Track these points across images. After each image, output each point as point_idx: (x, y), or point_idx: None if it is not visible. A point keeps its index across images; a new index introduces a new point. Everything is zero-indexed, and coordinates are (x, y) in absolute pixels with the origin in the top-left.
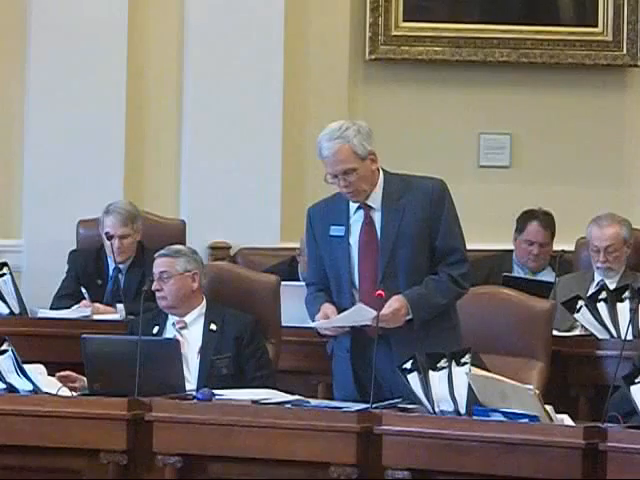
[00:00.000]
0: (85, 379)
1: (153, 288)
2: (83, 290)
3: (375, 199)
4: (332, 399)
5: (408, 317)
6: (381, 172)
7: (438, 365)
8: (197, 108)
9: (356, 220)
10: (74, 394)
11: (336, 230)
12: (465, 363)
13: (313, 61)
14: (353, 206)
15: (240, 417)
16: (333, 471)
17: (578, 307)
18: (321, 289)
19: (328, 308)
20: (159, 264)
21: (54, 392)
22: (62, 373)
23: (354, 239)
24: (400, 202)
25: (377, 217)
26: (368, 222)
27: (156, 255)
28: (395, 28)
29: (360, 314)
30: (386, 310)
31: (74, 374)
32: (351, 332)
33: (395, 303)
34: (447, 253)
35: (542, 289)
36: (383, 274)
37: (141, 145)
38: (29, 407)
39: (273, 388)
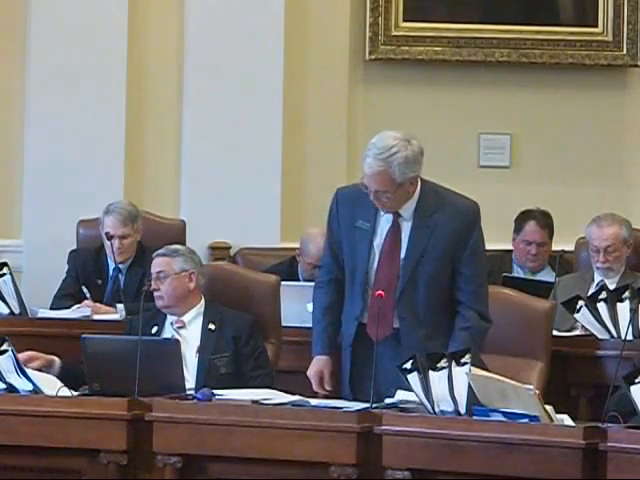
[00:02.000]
0: (56, 359)
1: (151, 288)
2: (84, 290)
3: (407, 209)
4: (332, 399)
5: None
6: (419, 183)
7: (438, 365)
8: (197, 108)
9: (384, 223)
10: (74, 393)
11: (362, 225)
12: (465, 363)
13: (313, 61)
14: None
15: (240, 417)
16: (333, 471)
17: (578, 307)
18: (330, 290)
19: (324, 365)
20: (156, 264)
21: (54, 392)
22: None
23: (378, 242)
24: (432, 218)
25: (405, 227)
26: (395, 230)
27: (154, 255)
28: (395, 28)
29: None
30: None
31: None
32: (356, 328)
33: None
34: (468, 281)
35: (542, 289)
36: (404, 286)
37: (141, 145)
38: (29, 407)
39: (271, 388)
